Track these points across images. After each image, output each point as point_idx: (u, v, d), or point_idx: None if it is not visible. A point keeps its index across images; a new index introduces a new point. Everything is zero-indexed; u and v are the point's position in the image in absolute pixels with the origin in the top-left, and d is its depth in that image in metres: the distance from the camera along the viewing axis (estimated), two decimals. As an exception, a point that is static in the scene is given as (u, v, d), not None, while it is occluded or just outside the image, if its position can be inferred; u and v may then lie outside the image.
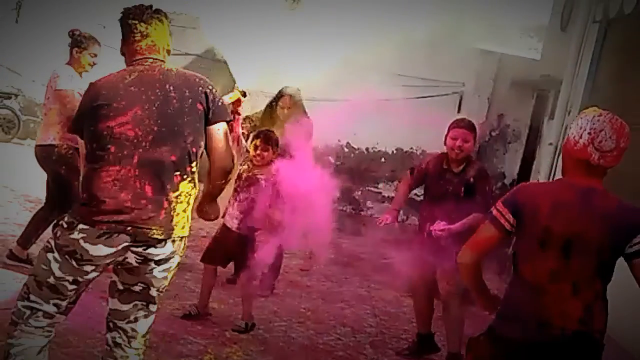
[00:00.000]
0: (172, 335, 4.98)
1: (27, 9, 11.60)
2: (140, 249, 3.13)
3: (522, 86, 10.74)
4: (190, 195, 3.24)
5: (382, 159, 11.50)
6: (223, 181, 3.36)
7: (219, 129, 3.29)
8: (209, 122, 3.25)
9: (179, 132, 3.15)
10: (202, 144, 3.26)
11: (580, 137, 2.94)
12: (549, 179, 8.81)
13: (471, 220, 4.79)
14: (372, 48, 10.29)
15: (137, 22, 3.25)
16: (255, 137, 5.31)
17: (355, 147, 11.56)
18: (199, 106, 3.21)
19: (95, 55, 5.72)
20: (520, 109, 10.76)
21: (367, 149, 11.57)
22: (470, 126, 5.14)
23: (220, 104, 3.30)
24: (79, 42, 5.64)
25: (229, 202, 5.34)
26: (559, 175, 8.38)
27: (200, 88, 3.24)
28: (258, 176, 5.26)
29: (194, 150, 3.21)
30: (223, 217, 5.36)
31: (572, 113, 8.45)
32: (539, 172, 9.33)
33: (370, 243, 9.52)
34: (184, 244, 3.32)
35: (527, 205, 2.99)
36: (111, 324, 3.32)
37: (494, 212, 3.07)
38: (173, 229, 3.17)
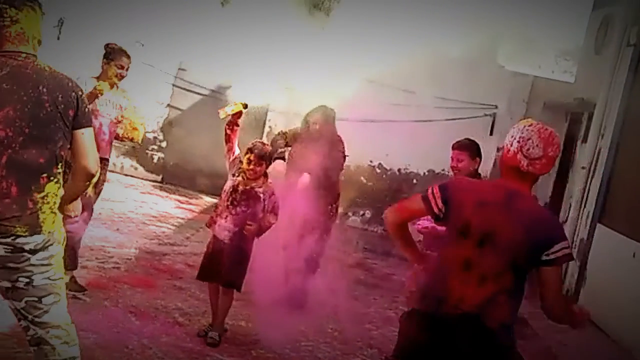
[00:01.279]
0: (199, 352, 5.03)
1: (69, 27, 11.85)
2: (8, 239, 3.09)
3: (555, 109, 10.65)
4: (56, 195, 3.24)
5: (414, 181, 11.47)
6: (86, 183, 3.35)
7: (83, 133, 3.26)
8: (75, 125, 3.24)
9: (49, 136, 3.15)
10: (69, 146, 3.26)
11: (511, 145, 3.18)
12: (581, 203, 8.71)
13: None
14: (405, 69, 10.34)
15: (7, 6, 3.19)
16: (249, 151, 5.18)
17: (387, 168, 11.57)
18: (70, 112, 3.20)
19: (123, 67, 5.75)
20: (553, 132, 10.65)
21: (399, 170, 11.56)
22: (462, 146, 5.33)
23: (86, 110, 3.30)
24: (107, 53, 5.73)
25: (219, 214, 5.25)
26: (591, 200, 8.36)
27: (73, 93, 3.22)
28: (256, 189, 5.20)
29: (62, 153, 3.22)
30: (209, 226, 5.34)
31: (605, 136, 8.38)
32: (571, 196, 9.24)
33: (399, 264, 9.51)
34: (61, 235, 3.29)
35: (455, 197, 3.23)
36: (22, 323, 3.27)
37: (429, 192, 3.29)
38: (40, 227, 3.16)
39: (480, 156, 5.36)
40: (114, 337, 4.93)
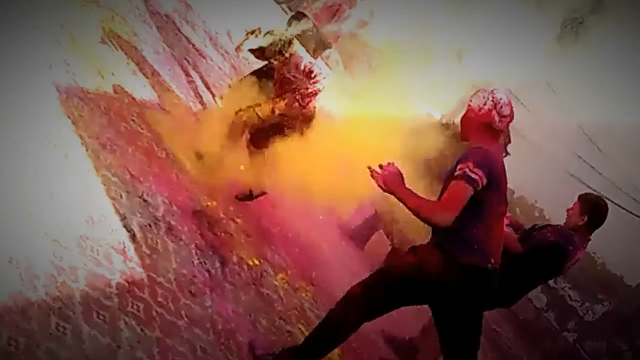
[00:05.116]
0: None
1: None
2: None
3: None
4: None
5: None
6: None
7: None
8: None
9: None
10: None
11: (484, 105, 3.57)
12: None
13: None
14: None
15: None
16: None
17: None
18: None
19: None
20: None
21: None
22: (582, 199, 4.88)
23: None
24: None
25: None
26: None
27: None
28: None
29: None
30: None
31: None
32: None
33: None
34: None
35: (493, 171, 3.47)
36: None
37: (472, 175, 3.41)
38: None
39: (589, 217, 4.72)
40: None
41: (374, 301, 3.56)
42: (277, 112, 5.03)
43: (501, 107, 3.57)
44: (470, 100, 3.67)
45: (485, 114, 3.58)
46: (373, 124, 6.16)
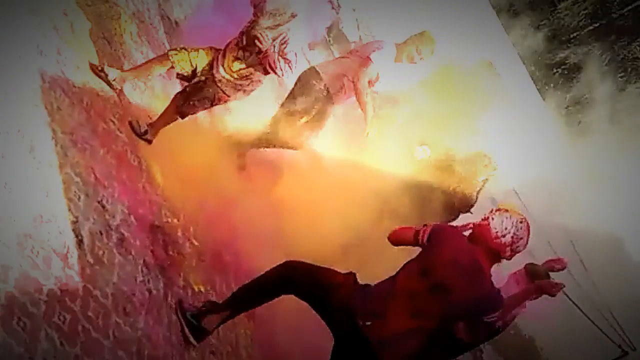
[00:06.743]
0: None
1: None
2: None
3: None
4: None
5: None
6: None
7: None
8: None
9: None
10: None
11: (504, 237, 3.51)
12: None
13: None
14: None
15: None
16: None
17: None
18: None
19: None
20: None
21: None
22: (529, 270, 5.01)
23: None
24: None
25: None
26: None
27: None
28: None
29: None
30: None
31: None
32: None
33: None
34: None
35: (437, 243, 3.60)
36: None
37: (421, 229, 3.71)
38: None
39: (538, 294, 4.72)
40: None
41: (300, 288, 3.70)
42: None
43: (518, 246, 3.53)
44: (492, 218, 3.59)
45: (499, 246, 3.53)
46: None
